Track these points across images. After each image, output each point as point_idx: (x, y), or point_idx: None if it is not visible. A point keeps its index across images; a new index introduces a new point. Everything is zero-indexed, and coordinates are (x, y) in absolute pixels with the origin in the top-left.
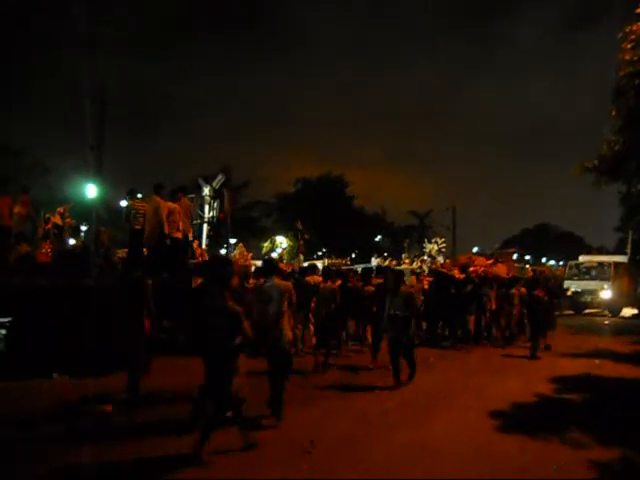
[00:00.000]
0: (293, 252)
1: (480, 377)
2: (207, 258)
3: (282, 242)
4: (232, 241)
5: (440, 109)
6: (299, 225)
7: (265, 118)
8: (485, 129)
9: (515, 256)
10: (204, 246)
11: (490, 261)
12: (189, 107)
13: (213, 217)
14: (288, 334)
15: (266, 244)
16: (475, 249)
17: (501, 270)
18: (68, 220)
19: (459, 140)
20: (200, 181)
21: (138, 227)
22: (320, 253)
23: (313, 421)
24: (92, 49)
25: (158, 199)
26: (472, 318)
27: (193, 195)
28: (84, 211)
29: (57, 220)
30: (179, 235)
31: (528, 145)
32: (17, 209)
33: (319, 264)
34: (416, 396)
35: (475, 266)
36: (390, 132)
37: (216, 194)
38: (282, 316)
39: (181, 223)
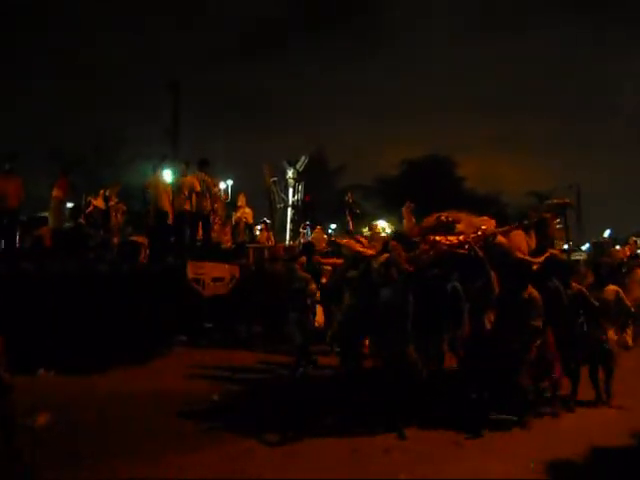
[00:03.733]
0: None
1: None
2: (274, 243)
3: (385, 227)
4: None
5: (567, 86)
6: (349, 197)
7: (372, 106)
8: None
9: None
10: (288, 230)
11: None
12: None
13: (298, 200)
14: None
15: (365, 229)
16: (607, 232)
17: (518, 240)
18: (113, 203)
19: (588, 118)
20: (284, 164)
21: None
22: None
23: None
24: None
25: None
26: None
27: (276, 178)
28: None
29: (99, 203)
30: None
31: None
32: (55, 192)
33: None
34: None
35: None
36: (507, 110)
37: (300, 177)
38: None
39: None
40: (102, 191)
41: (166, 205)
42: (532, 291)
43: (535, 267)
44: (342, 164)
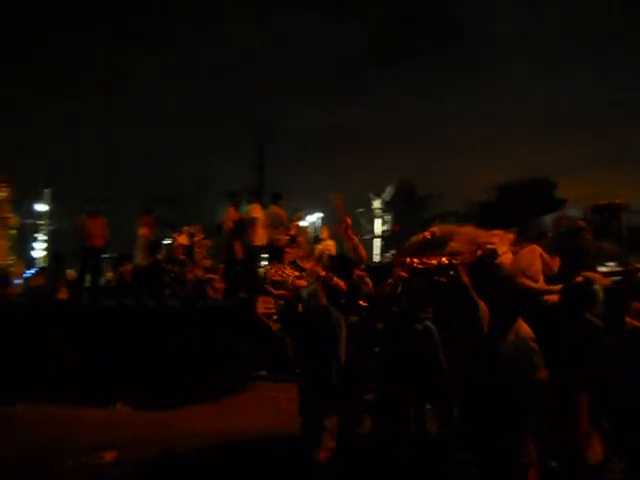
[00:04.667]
0: None
1: None
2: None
3: None
4: None
5: None
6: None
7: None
8: None
9: None
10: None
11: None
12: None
13: (385, 231)
14: None
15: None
16: None
17: (528, 259)
18: (197, 239)
19: None
20: (370, 195)
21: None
22: None
23: None
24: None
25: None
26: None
27: (363, 209)
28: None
29: (183, 240)
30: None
31: None
32: (141, 230)
33: None
34: None
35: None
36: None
37: (387, 207)
38: None
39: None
40: (186, 228)
41: (239, 239)
42: (522, 328)
43: (550, 297)
44: (430, 193)
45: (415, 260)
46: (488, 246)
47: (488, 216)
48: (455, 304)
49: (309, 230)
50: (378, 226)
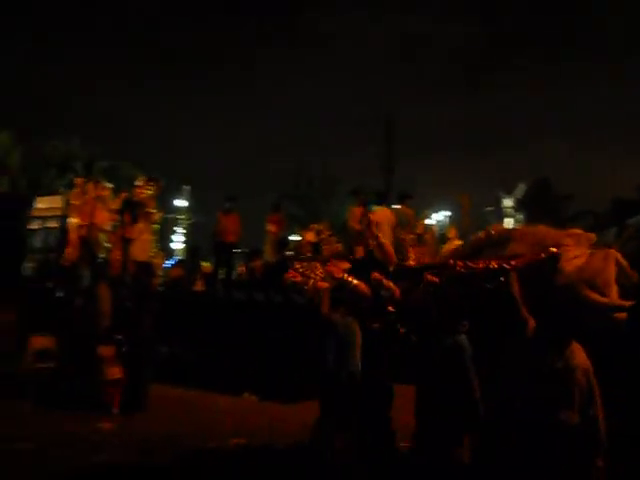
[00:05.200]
0: None
1: None
2: None
3: None
4: None
5: None
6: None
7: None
8: None
9: None
10: None
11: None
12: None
13: None
14: None
15: None
16: None
17: (597, 267)
18: (324, 237)
19: None
20: (499, 193)
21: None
22: None
23: None
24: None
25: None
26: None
27: (492, 208)
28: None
29: (310, 237)
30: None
31: None
32: (269, 227)
33: None
34: None
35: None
36: None
37: (520, 206)
38: None
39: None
40: (314, 225)
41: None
42: (575, 356)
43: (620, 315)
44: (570, 192)
45: (459, 263)
46: (552, 249)
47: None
48: (499, 318)
49: (436, 229)
50: (509, 226)
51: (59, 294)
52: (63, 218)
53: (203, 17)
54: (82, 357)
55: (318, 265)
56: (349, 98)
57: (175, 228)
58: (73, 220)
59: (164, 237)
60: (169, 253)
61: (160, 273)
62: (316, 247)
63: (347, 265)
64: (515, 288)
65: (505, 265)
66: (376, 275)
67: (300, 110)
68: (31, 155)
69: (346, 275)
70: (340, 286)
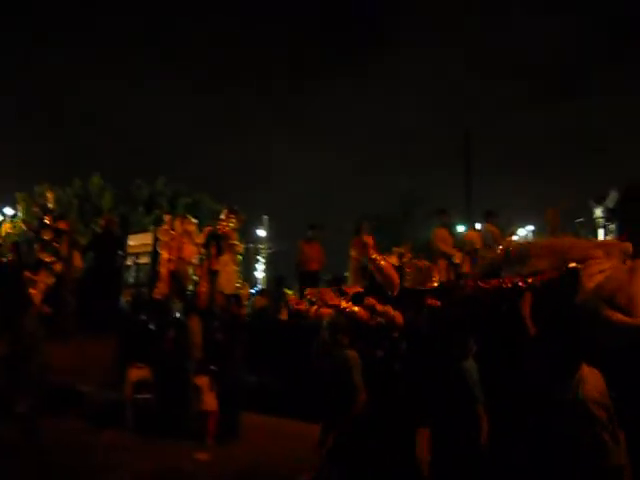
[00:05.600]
0: None
1: None
2: None
3: None
4: None
5: None
6: None
7: None
8: None
9: None
10: None
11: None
12: None
13: None
14: None
15: None
16: None
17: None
18: (406, 259)
19: None
20: (590, 202)
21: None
22: None
23: None
24: None
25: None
26: None
27: (583, 219)
28: None
29: (393, 260)
30: None
31: None
32: (352, 252)
33: None
34: None
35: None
36: None
37: (612, 215)
38: None
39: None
40: (396, 248)
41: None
42: (587, 385)
43: None
44: None
45: (469, 284)
46: (572, 264)
47: None
48: (510, 341)
49: None
50: (601, 238)
51: (152, 326)
52: (153, 254)
53: (284, 41)
54: (177, 388)
55: (330, 292)
56: (429, 117)
57: (257, 257)
58: (162, 255)
59: (247, 267)
60: (253, 282)
61: (246, 303)
62: (399, 270)
63: (357, 290)
64: (526, 309)
65: (520, 283)
66: (370, 300)
67: (377, 131)
68: (120, 195)
69: (343, 301)
70: (338, 313)
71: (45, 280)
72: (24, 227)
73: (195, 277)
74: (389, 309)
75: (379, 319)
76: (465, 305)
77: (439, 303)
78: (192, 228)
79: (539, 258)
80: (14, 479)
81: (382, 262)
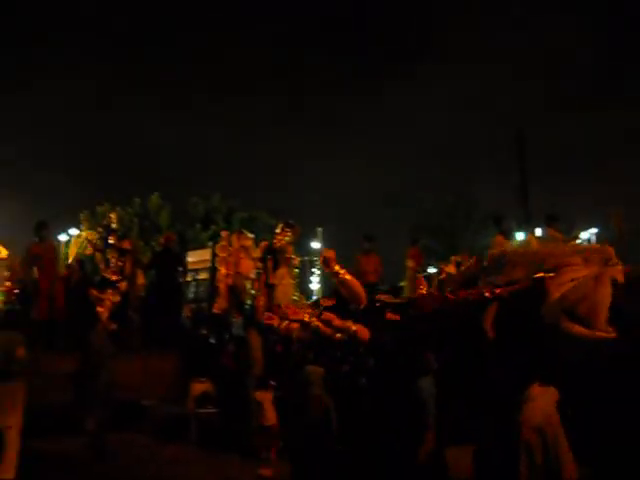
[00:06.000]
0: None
1: None
2: None
3: None
4: None
5: None
6: None
7: None
8: None
9: None
10: None
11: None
12: None
13: None
14: None
15: None
16: None
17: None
18: (464, 268)
19: None
20: None
21: None
22: None
23: None
24: None
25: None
26: None
27: None
28: None
29: (451, 270)
30: None
31: None
32: (409, 263)
33: None
34: None
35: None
36: None
37: None
38: None
39: None
40: (453, 257)
41: None
42: (537, 407)
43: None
44: None
45: (433, 296)
46: (539, 274)
47: None
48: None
49: None
50: None
51: (212, 341)
52: (212, 270)
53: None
54: (238, 402)
55: (294, 306)
56: (477, 118)
57: (312, 269)
58: (220, 271)
59: (303, 279)
60: (308, 294)
61: None
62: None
63: (329, 303)
64: (488, 320)
65: (487, 294)
66: (327, 315)
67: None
68: (177, 213)
69: (307, 315)
70: (304, 327)
71: (111, 298)
72: (89, 247)
73: (253, 291)
74: (350, 324)
75: (339, 334)
76: (428, 319)
77: (398, 317)
78: (249, 243)
79: (515, 267)
80: None
81: (346, 276)
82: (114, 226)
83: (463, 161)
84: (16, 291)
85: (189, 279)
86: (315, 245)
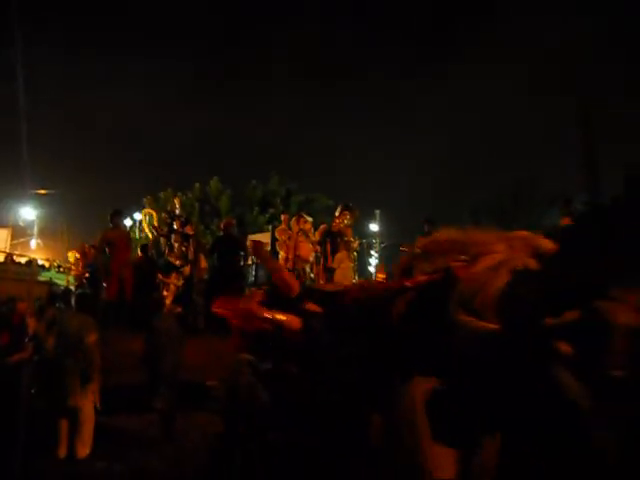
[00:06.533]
0: None
1: None
2: None
3: None
4: None
5: None
6: None
7: None
8: None
9: None
10: None
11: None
12: None
13: None
14: None
15: None
16: None
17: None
18: None
19: None
20: None
21: None
22: None
23: None
24: None
25: None
26: None
27: None
28: None
29: None
30: None
31: None
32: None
33: None
34: None
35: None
36: None
37: None
38: None
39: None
40: None
41: None
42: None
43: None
44: None
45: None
46: (452, 263)
47: None
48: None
49: None
50: None
51: None
52: (272, 253)
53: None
54: None
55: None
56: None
57: (371, 252)
58: (280, 254)
59: (362, 262)
60: (367, 277)
61: None
62: None
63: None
64: (396, 311)
65: (408, 284)
66: (251, 306)
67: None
68: (236, 197)
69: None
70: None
71: (175, 282)
72: (154, 232)
73: (312, 275)
74: (277, 314)
75: (266, 325)
76: (350, 309)
77: (319, 309)
78: (308, 226)
79: (441, 255)
80: (155, 470)
81: (277, 266)
82: (178, 212)
83: (526, 144)
84: (87, 275)
85: (249, 262)
86: (374, 227)
